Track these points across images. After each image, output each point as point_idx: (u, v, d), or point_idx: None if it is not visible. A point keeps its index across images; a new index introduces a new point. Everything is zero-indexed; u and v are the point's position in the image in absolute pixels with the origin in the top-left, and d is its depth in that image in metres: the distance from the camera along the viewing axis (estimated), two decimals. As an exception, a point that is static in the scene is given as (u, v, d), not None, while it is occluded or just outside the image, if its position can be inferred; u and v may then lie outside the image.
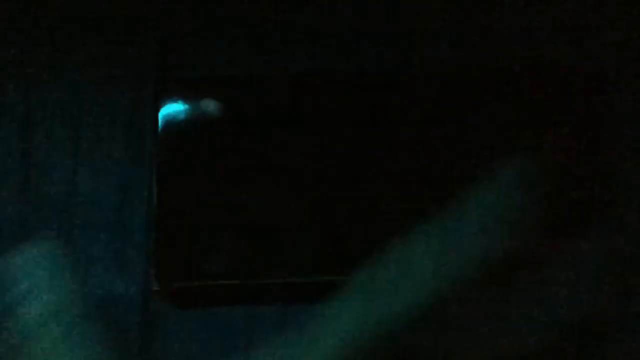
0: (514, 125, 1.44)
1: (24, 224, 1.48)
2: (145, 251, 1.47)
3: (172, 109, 1.47)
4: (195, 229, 1.43)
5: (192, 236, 1.43)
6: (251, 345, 1.45)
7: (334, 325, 1.43)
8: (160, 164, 1.44)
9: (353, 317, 1.42)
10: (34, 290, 1.46)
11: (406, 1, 1.50)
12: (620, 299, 1.41)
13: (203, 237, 1.43)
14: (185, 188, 1.44)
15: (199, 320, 1.46)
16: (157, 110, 1.49)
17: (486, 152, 1.42)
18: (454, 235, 1.36)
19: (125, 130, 1.51)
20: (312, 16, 1.50)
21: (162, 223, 1.44)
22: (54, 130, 1.51)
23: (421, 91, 1.46)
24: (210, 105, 1.43)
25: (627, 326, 1.41)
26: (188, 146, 1.45)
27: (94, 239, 1.49)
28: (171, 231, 1.43)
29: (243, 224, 1.43)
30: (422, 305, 1.32)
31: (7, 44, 1.52)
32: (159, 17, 1.52)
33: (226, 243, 1.42)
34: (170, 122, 1.48)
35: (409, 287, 1.36)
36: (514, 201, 1.39)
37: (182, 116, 1.48)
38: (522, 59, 1.48)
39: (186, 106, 1.47)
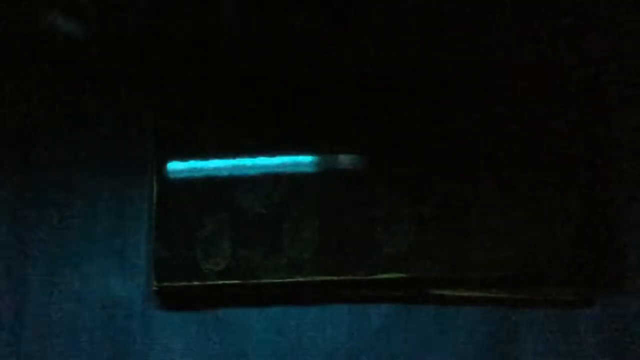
0: (514, 124, 1.44)
1: (24, 224, 1.49)
2: (145, 251, 1.48)
3: (172, 107, 1.48)
4: (195, 229, 1.43)
5: (192, 236, 1.43)
6: (250, 344, 1.45)
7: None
8: (160, 164, 1.45)
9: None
10: None
11: (407, 2, 1.50)
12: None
13: (203, 237, 1.43)
14: (185, 188, 1.44)
15: (199, 320, 1.46)
16: (158, 109, 1.50)
17: (487, 151, 1.43)
18: None
19: (126, 131, 1.51)
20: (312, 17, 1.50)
21: (162, 223, 1.44)
22: (55, 130, 1.52)
23: (421, 91, 1.47)
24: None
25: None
26: (188, 147, 1.46)
27: (94, 239, 1.49)
28: (171, 231, 1.44)
29: (243, 224, 1.43)
30: None
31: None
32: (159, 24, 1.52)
33: (226, 243, 1.43)
34: (170, 124, 1.48)
35: None
36: None
37: (181, 117, 1.49)
38: (522, 59, 1.48)
39: (186, 107, 1.48)
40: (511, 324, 1.43)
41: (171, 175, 1.45)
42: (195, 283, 1.43)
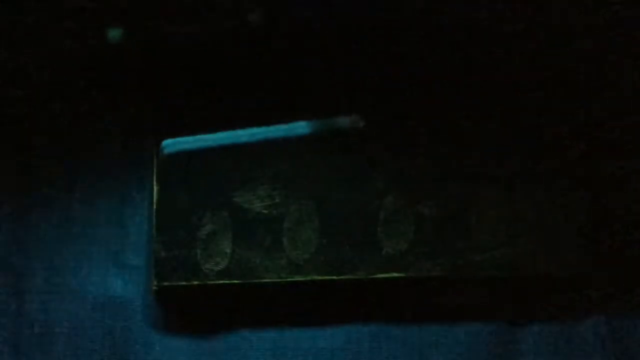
0: (514, 124, 1.44)
1: (24, 224, 1.49)
2: (145, 251, 1.48)
3: (172, 107, 1.49)
4: (195, 229, 1.43)
5: (192, 236, 1.43)
6: (250, 344, 1.45)
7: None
8: (160, 164, 1.45)
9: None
10: None
11: (407, 2, 1.50)
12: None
13: (203, 237, 1.43)
14: (185, 188, 1.44)
15: (198, 319, 1.46)
16: (158, 114, 1.50)
17: (487, 151, 1.43)
18: None
19: (126, 131, 1.51)
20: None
21: (162, 223, 1.44)
22: (55, 131, 1.52)
23: (420, 92, 1.47)
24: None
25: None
26: (188, 148, 1.46)
27: (94, 239, 1.49)
28: (171, 231, 1.44)
29: (243, 224, 1.43)
30: None
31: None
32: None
33: (226, 243, 1.43)
34: (171, 125, 1.49)
35: None
36: None
37: (182, 119, 1.49)
38: (522, 58, 1.48)
39: (186, 106, 1.49)
40: (512, 331, 1.43)
41: (171, 175, 1.45)
42: (195, 283, 1.43)
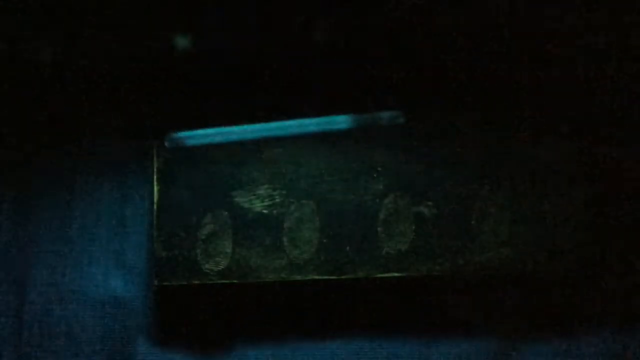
0: (514, 124, 1.44)
1: (24, 223, 1.49)
2: (145, 251, 1.48)
3: (173, 107, 1.49)
4: (195, 229, 1.43)
5: (192, 236, 1.43)
6: (251, 346, 1.45)
7: None
8: (160, 164, 1.45)
9: None
10: None
11: (406, 3, 1.50)
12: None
13: (203, 237, 1.43)
14: (185, 188, 1.44)
15: (199, 319, 1.46)
16: (160, 113, 1.50)
17: (487, 151, 1.43)
18: None
19: (127, 131, 1.51)
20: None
21: (162, 223, 1.44)
22: (55, 130, 1.52)
23: (421, 91, 1.47)
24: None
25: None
26: (188, 147, 1.46)
27: (94, 238, 1.49)
28: (171, 231, 1.43)
29: (243, 224, 1.43)
30: None
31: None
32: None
33: (226, 243, 1.43)
34: (172, 125, 1.49)
35: None
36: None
37: (181, 117, 1.49)
38: (522, 58, 1.49)
39: (186, 106, 1.49)
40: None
41: (171, 175, 1.45)
42: (196, 283, 1.42)
